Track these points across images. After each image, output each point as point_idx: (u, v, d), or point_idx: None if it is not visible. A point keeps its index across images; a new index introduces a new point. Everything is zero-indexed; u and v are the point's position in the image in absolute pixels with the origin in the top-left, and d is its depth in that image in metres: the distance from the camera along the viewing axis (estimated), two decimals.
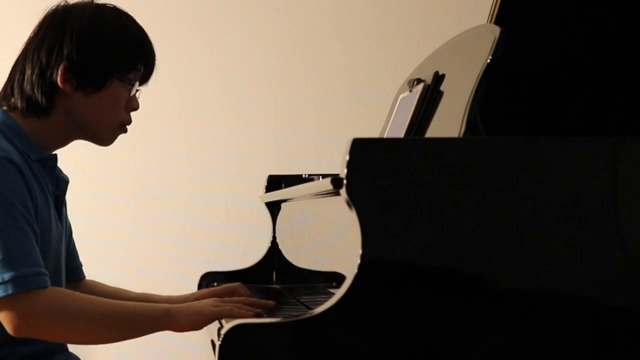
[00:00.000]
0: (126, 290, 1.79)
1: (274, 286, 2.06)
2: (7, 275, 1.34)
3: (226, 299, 1.53)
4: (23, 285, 1.35)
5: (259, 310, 1.50)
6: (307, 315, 1.16)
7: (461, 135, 1.32)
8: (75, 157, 2.91)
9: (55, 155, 1.59)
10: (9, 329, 1.38)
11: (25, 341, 1.50)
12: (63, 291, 1.50)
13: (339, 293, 1.16)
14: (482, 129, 1.36)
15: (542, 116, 1.64)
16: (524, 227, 1.20)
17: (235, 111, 3.13)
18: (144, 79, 1.61)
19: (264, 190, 2.19)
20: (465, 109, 1.34)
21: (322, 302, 1.17)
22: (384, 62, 3.00)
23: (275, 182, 2.19)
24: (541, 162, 1.22)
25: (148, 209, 3.17)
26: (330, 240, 1.59)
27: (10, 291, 1.35)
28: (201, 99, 3.15)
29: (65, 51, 1.51)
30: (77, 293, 1.50)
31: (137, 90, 1.60)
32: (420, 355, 1.18)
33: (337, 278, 1.46)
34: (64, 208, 1.65)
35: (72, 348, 1.68)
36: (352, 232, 1.18)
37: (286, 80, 3.10)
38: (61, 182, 1.62)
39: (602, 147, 1.23)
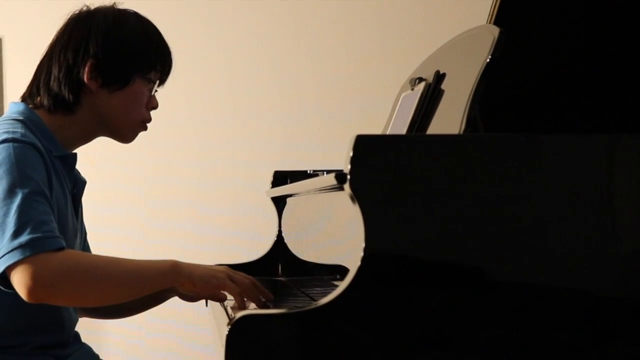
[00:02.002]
0: None
1: (280, 278, 2.06)
2: (24, 239, 1.33)
3: (238, 275, 1.52)
4: (39, 247, 1.34)
5: (265, 298, 1.51)
6: (312, 307, 1.16)
7: (461, 132, 1.32)
8: (87, 152, 2.93)
9: (75, 154, 1.61)
10: (23, 293, 1.34)
11: (40, 330, 1.50)
12: (75, 251, 1.50)
13: (343, 285, 1.16)
14: (482, 126, 1.36)
15: (540, 114, 1.64)
16: (522, 221, 1.20)
17: (243, 110, 3.13)
18: (162, 80, 1.64)
19: (270, 185, 2.19)
20: (466, 107, 1.34)
21: (326, 294, 1.17)
22: (386, 62, 3.00)
23: (281, 178, 2.19)
24: (538, 158, 1.22)
25: (158, 203, 3.18)
26: (334, 233, 1.59)
27: (28, 253, 1.33)
28: (212, 100, 3.16)
29: (91, 50, 1.54)
30: (88, 253, 1.50)
31: (155, 90, 1.63)
32: (421, 346, 1.18)
33: (340, 271, 1.46)
34: (80, 208, 1.66)
35: (80, 329, 1.68)
36: (355, 225, 1.18)
37: (292, 81, 3.10)
38: (79, 182, 1.64)
39: (597, 143, 1.23)
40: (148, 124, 1.64)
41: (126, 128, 1.61)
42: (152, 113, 1.63)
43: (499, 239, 1.19)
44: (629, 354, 1.21)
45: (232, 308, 1.50)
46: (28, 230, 1.34)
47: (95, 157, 2.95)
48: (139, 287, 1.46)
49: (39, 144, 1.46)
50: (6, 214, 1.35)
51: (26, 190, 1.37)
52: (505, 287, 1.20)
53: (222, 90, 3.15)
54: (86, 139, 1.62)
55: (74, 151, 1.61)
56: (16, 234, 1.34)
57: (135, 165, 3.16)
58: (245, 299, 1.49)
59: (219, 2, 3.16)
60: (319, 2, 3.10)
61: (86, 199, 1.67)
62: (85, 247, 1.76)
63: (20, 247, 1.33)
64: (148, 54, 1.58)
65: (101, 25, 1.56)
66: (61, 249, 1.36)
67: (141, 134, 1.65)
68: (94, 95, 1.55)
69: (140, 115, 1.61)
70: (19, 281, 1.34)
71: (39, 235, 1.34)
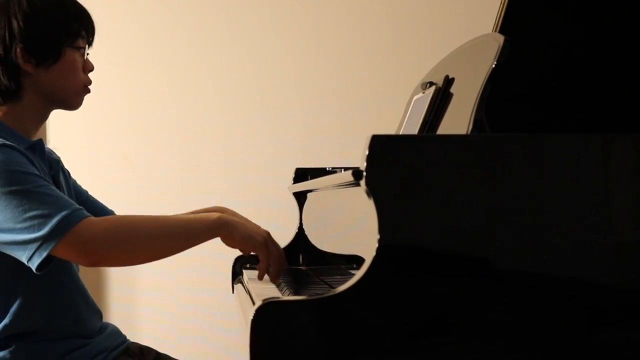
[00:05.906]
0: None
1: (301, 268, 2.07)
2: (53, 222, 1.35)
3: (275, 245, 1.58)
4: (69, 223, 1.36)
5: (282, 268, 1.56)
6: (330, 294, 1.17)
7: (469, 132, 1.33)
8: (123, 149, 2.94)
9: (41, 139, 1.60)
10: (83, 263, 1.39)
11: (60, 309, 1.52)
12: (115, 216, 1.52)
13: (359, 274, 1.17)
14: (488, 127, 1.36)
15: (542, 115, 1.64)
16: (525, 216, 1.20)
17: (266, 111, 3.14)
18: (90, 42, 1.61)
19: (292, 181, 2.20)
20: (473, 109, 1.34)
21: (343, 282, 1.18)
22: (399, 67, 3.00)
23: (302, 174, 2.19)
24: (541, 156, 1.22)
25: (186, 198, 3.19)
26: (351, 226, 1.60)
27: (62, 234, 1.35)
28: (238, 101, 3.16)
29: (17, 36, 1.51)
30: (129, 215, 1.51)
31: (87, 54, 1.61)
32: (430, 331, 1.18)
33: (357, 260, 1.47)
34: (61, 182, 1.64)
35: (114, 316, 1.69)
36: (370, 219, 1.19)
37: (312, 84, 3.11)
38: (53, 163, 1.63)
39: (598, 143, 1.22)
40: (90, 87, 1.61)
41: (72, 97, 1.59)
42: (185, 115, 1.62)
43: (504, 232, 1.19)
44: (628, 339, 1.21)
45: (256, 294, 1.51)
46: (51, 215, 1.36)
47: (126, 158, 2.97)
48: (185, 242, 1.47)
49: (9, 142, 1.44)
50: (25, 211, 1.36)
51: (26, 183, 1.38)
52: (512, 279, 1.20)
53: (250, 96, 3.15)
54: (42, 119, 1.60)
55: (39, 138, 1.59)
56: (43, 224, 1.35)
57: (168, 162, 3.17)
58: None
59: (240, 2, 3.16)
60: (341, 8, 3.10)
61: (118, 198, 1.67)
62: (83, 195, 1.76)
63: (52, 231, 1.35)
64: (69, 25, 1.56)
65: (19, 10, 1.52)
66: (87, 216, 1.38)
67: (176, 135, 1.65)
68: (33, 76, 1.53)
69: (80, 81, 1.59)
70: (74, 257, 1.39)
71: (63, 214, 1.36)
